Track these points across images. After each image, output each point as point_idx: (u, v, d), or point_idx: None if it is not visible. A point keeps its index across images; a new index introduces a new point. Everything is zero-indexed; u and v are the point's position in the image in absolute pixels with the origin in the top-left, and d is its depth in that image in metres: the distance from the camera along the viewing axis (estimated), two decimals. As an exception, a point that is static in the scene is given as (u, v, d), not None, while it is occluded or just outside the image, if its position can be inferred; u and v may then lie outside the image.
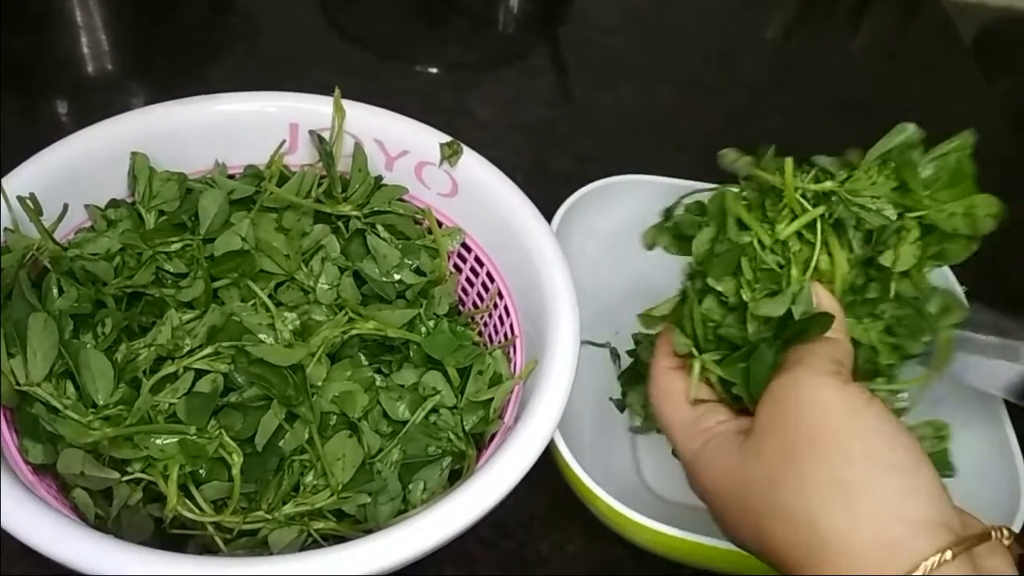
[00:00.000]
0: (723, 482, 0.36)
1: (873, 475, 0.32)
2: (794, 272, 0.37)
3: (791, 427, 0.34)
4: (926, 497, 0.31)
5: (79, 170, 0.46)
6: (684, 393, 0.39)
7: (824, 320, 0.36)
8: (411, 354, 0.46)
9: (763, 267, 0.38)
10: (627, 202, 0.57)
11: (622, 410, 0.53)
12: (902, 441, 0.33)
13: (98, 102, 0.71)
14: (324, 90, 0.50)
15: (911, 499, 0.31)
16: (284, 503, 0.41)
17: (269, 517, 0.40)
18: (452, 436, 0.44)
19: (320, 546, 0.39)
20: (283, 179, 0.49)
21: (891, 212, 0.38)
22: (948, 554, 0.30)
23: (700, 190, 0.46)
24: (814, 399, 0.34)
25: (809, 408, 0.34)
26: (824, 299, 0.37)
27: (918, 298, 0.39)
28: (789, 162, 0.38)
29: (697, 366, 0.38)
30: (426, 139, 0.50)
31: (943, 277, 0.57)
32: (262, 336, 0.43)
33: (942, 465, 0.40)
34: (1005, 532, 0.33)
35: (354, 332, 0.45)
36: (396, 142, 0.50)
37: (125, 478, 0.40)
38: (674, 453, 0.39)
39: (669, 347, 0.40)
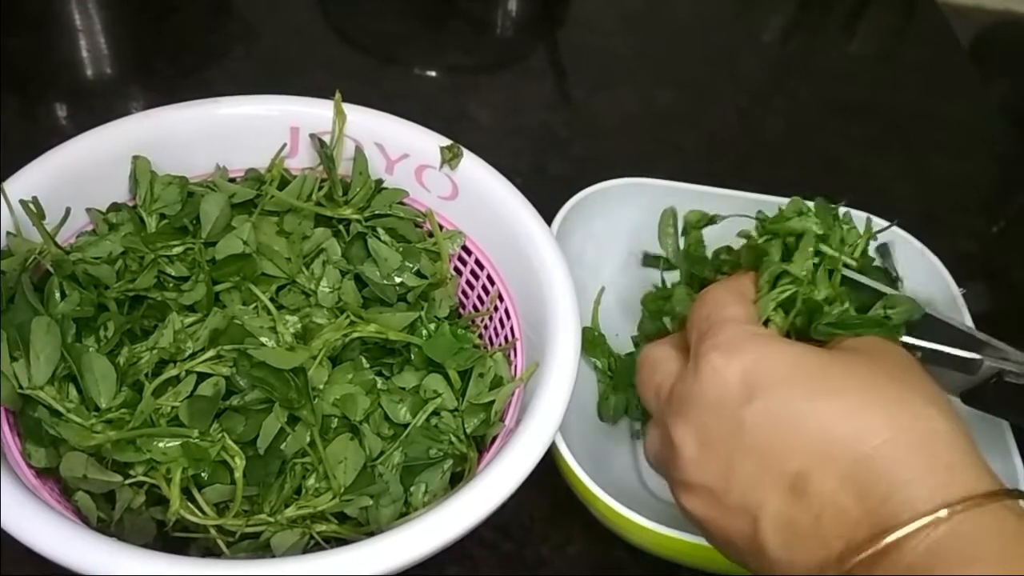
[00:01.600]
0: (816, 358, 0.36)
1: (943, 411, 0.34)
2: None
3: (876, 350, 0.38)
4: (974, 447, 0.34)
5: (80, 174, 0.46)
6: (747, 300, 0.41)
7: None
8: (412, 357, 0.46)
9: None
10: (626, 205, 0.57)
11: (602, 418, 0.54)
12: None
13: (98, 105, 0.71)
14: (323, 93, 0.51)
15: (969, 441, 0.34)
16: (286, 506, 0.41)
17: (271, 520, 0.40)
18: (453, 439, 0.44)
19: (322, 549, 0.40)
20: (284, 183, 0.50)
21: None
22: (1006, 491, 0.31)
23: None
24: (899, 348, 0.39)
25: (895, 349, 0.39)
26: None
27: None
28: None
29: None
30: (426, 142, 0.50)
31: (941, 279, 0.57)
32: (264, 339, 0.43)
33: None
34: None
35: (355, 335, 0.45)
36: (397, 145, 0.50)
37: (128, 481, 0.40)
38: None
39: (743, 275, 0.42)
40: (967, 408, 0.44)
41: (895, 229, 0.59)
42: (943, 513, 0.30)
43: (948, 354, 0.42)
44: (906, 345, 0.42)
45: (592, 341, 0.55)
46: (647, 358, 0.43)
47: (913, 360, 0.38)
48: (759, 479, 0.34)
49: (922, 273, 0.57)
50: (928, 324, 0.42)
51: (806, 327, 0.41)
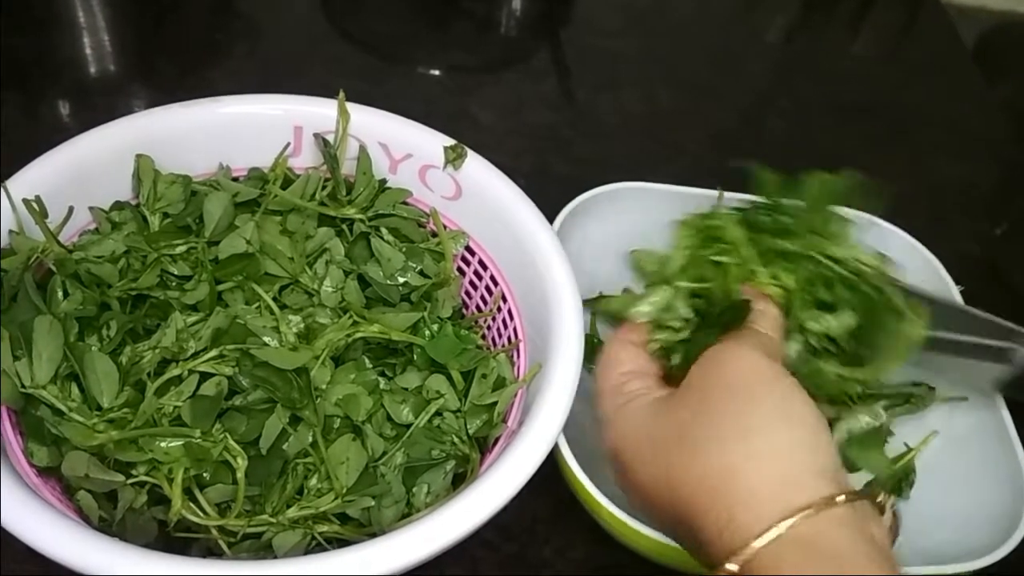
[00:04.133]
0: (638, 432, 0.39)
1: (779, 425, 0.36)
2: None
3: (711, 380, 0.38)
4: (824, 454, 0.35)
5: (83, 172, 0.46)
6: (623, 364, 0.43)
7: (741, 307, 0.41)
8: (415, 357, 0.46)
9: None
10: (627, 208, 0.57)
11: None
12: (810, 407, 0.37)
13: (100, 103, 0.71)
14: (325, 92, 0.51)
15: (811, 451, 0.35)
16: (288, 506, 0.41)
17: (273, 520, 0.40)
18: (456, 439, 0.44)
19: (324, 549, 0.39)
20: (287, 182, 0.49)
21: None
22: (840, 498, 0.33)
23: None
24: (737, 359, 0.39)
25: (730, 366, 0.38)
26: (761, 302, 0.42)
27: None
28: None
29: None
30: (430, 142, 0.50)
31: (941, 280, 0.57)
32: (266, 339, 0.43)
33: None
34: (889, 501, 0.38)
35: (358, 335, 0.45)
36: (400, 145, 0.50)
37: (130, 481, 0.40)
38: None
39: (632, 324, 0.45)
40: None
41: (895, 230, 0.59)
42: (732, 566, 0.33)
43: (983, 345, 0.43)
44: (940, 340, 0.43)
45: (592, 348, 0.54)
46: (614, 356, 0.44)
47: (748, 366, 0.38)
48: (661, 522, 0.39)
49: (923, 274, 0.56)
50: (960, 317, 0.43)
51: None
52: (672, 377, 0.43)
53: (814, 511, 0.32)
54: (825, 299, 0.43)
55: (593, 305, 0.56)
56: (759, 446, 0.35)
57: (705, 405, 0.37)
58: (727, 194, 0.57)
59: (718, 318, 0.42)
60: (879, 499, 0.35)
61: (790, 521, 0.32)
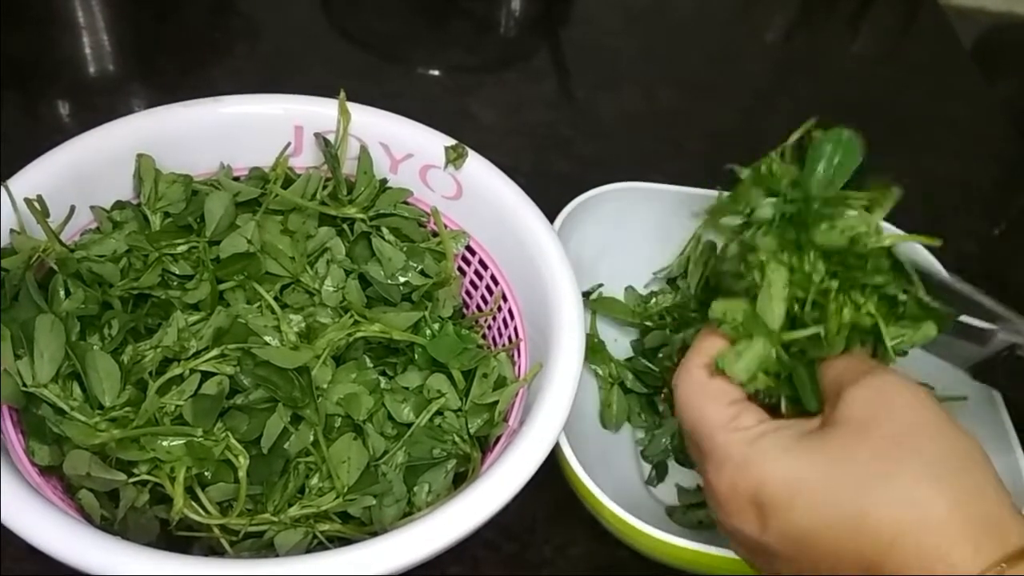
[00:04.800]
0: (800, 468, 0.35)
1: (975, 467, 0.35)
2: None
3: (895, 416, 0.35)
4: (1005, 492, 0.34)
5: (85, 172, 0.46)
6: (725, 394, 0.38)
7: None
8: (416, 357, 0.46)
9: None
10: (627, 208, 0.57)
11: (605, 425, 0.54)
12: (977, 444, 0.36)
13: (100, 103, 0.71)
14: (325, 92, 0.51)
15: (1002, 489, 0.34)
16: (290, 505, 0.41)
17: (275, 519, 0.40)
18: (457, 439, 0.44)
19: (326, 548, 0.40)
20: (288, 181, 0.49)
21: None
22: None
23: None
24: (909, 394, 0.36)
25: (904, 401, 0.36)
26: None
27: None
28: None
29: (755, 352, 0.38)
30: (431, 142, 0.50)
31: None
32: (268, 338, 0.43)
33: None
34: None
35: (359, 334, 0.45)
36: (401, 145, 0.50)
37: (131, 480, 0.40)
38: (681, 461, 0.39)
39: (706, 348, 0.39)
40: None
41: (895, 229, 0.59)
42: None
43: (960, 323, 0.41)
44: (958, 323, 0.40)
45: (592, 348, 0.55)
46: (689, 383, 0.39)
47: (919, 404, 0.36)
48: (820, 566, 0.35)
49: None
50: (943, 290, 0.40)
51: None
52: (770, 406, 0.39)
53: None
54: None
55: (593, 305, 0.56)
56: (973, 479, 0.34)
57: (903, 440, 0.35)
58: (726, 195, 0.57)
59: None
60: None
61: (1012, 562, 0.31)
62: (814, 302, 0.38)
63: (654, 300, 0.58)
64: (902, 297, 0.39)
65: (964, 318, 0.41)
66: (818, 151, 0.42)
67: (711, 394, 0.38)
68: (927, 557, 0.32)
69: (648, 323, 0.56)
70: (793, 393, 0.39)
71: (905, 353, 0.40)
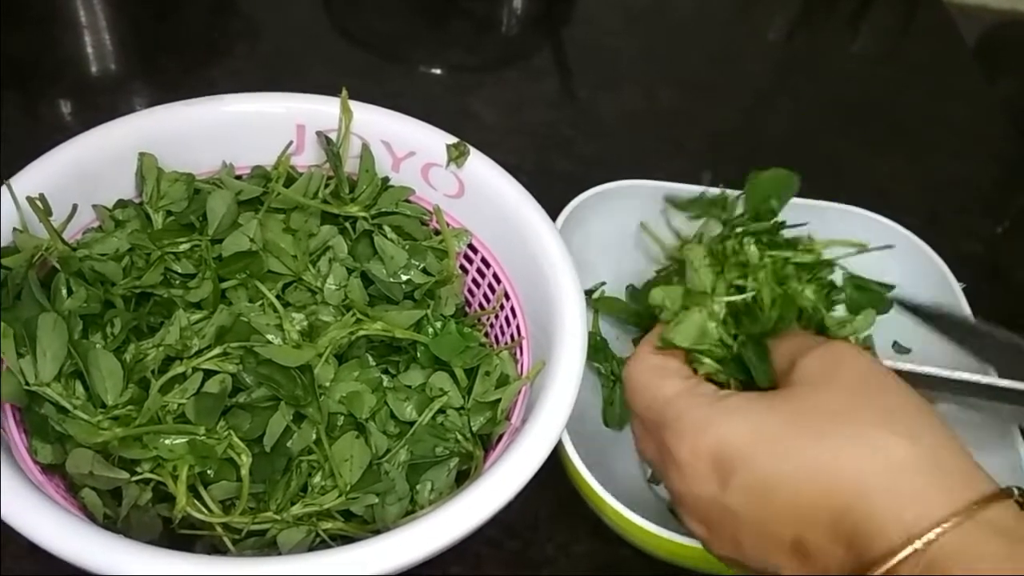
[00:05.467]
0: (764, 425, 0.36)
1: (931, 418, 0.35)
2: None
3: (844, 375, 0.37)
4: (962, 446, 0.35)
5: (87, 170, 0.46)
6: (680, 370, 0.41)
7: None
8: (418, 355, 0.46)
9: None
10: (629, 207, 0.57)
11: (608, 424, 0.54)
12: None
13: (102, 102, 0.71)
14: (327, 91, 0.51)
15: (959, 443, 0.34)
16: (292, 503, 0.41)
17: (277, 518, 0.40)
18: (459, 437, 0.44)
19: (328, 546, 0.39)
20: (290, 180, 0.49)
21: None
22: (1015, 490, 0.33)
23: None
24: (857, 356, 0.38)
25: (855, 362, 0.37)
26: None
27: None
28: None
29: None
30: (433, 140, 0.50)
31: (944, 280, 0.57)
32: (270, 337, 0.43)
33: None
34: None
35: (361, 333, 0.45)
36: (403, 143, 0.50)
37: (134, 478, 0.40)
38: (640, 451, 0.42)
39: (654, 338, 0.42)
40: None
41: (897, 228, 0.59)
42: (919, 544, 0.31)
43: (1007, 389, 0.42)
44: (992, 387, 0.42)
45: (594, 346, 0.55)
46: (643, 366, 0.42)
47: (868, 364, 0.37)
48: (766, 548, 0.36)
49: (925, 274, 0.57)
50: (980, 336, 0.44)
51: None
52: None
53: (997, 499, 0.32)
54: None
55: (595, 304, 0.56)
56: (933, 433, 0.34)
57: (857, 394, 0.36)
58: (731, 193, 0.57)
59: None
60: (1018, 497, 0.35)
61: (979, 505, 0.32)
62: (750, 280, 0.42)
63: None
64: (838, 282, 0.43)
65: (1008, 383, 0.42)
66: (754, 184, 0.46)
67: (666, 372, 0.40)
68: (896, 501, 0.33)
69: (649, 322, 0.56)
70: (744, 376, 0.41)
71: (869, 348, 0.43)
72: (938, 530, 0.31)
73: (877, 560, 0.32)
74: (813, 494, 0.34)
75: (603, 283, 0.57)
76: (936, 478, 0.33)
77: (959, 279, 0.57)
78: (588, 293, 0.56)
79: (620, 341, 0.57)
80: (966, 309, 0.55)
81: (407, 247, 0.48)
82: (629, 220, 0.58)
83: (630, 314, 0.57)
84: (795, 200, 0.58)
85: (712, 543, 0.39)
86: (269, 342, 0.43)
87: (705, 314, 0.41)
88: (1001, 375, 0.45)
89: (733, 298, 0.41)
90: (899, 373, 0.38)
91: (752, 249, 0.42)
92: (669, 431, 0.38)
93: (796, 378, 0.38)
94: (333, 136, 0.50)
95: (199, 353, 0.42)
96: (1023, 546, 0.31)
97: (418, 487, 0.43)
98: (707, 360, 0.41)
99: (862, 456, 0.34)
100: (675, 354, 0.42)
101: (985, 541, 0.31)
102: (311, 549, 0.41)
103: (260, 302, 0.45)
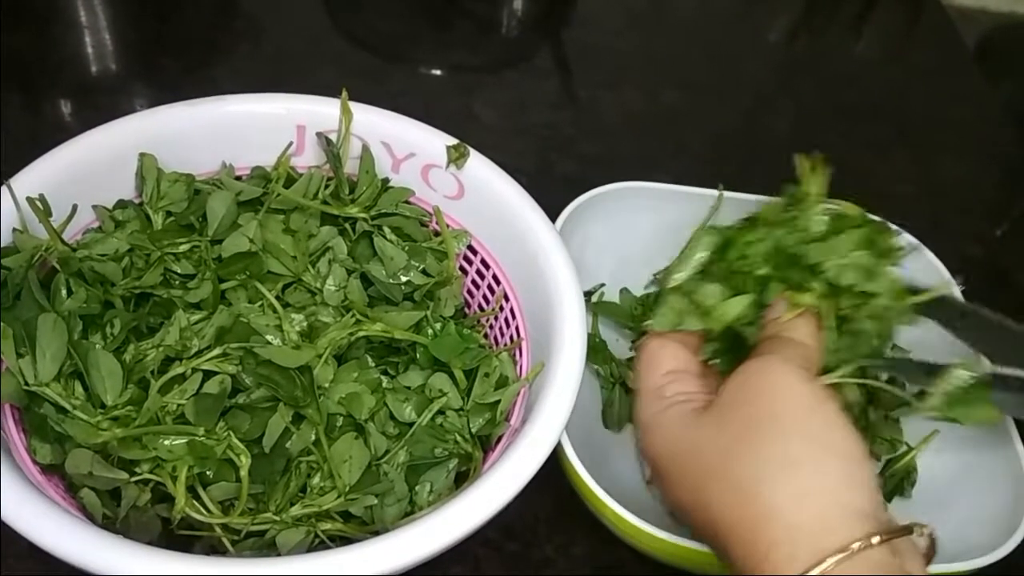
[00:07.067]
0: (677, 443, 0.39)
1: (825, 459, 0.35)
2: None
3: (756, 404, 0.37)
4: (866, 489, 0.35)
5: (87, 170, 0.46)
6: (663, 364, 0.43)
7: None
8: (418, 356, 0.46)
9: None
10: (628, 208, 0.57)
11: (607, 425, 0.54)
12: (853, 437, 0.36)
13: (102, 102, 0.71)
14: (328, 91, 0.51)
15: (855, 489, 0.35)
16: (291, 504, 0.41)
17: (276, 518, 0.40)
18: (459, 438, 0.44)
19: (327, 547, 0.40)
20: (290, 180, 0.50)
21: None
22: (875, 539, 0.33)
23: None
24: (781, 383, 0.38)
25: (776, 390, 0.37)
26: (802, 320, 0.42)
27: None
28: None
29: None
30: (433, 141, 0.50)
31: (942, 279, 0.57)
32: (269, 337, 0.43)
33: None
34: (924, 530, 0.37)
35: (361, 334, 0.45)
36: (403, 144, 0.50)
37: (133, 479, 0.40)
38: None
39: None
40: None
41: (897, 231, 0.59)
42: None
43: (1016, 378, 0.43)
44: (996, 376, 0.43)
45: (594, 347, 0.55)
46: (655, 355, 0.44)
47: (784, 391, 0.38)
48: (694, 528, 0.40)
49: (925, 276, 0.56)
50: (993, 327, 0.45)
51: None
52: (715, 374, 0.45)
53: (851, 554, 0.32)
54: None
55: (595, 307, 0.56)
56: (802, 484, 0.34)
57: (747, 434, 0.36)
58: (728, 194, 0.58)
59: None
60: (915, 531, 0.36)
61: (828, 563, 0.32)
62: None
63: (650, 303, 0.58)
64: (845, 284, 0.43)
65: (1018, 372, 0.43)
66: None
67: (653, 363, 0.44)
68: (752, 554, 0.34)
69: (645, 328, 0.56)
70: (729, 368, 0.42)
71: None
72: (835, 559, 0.32)
73: None
74: (700, 523, 0.38)
75: (603, 285, 0.57)
76: (787, 533, 0.34)
77: (957, 280, 0.57)
78: (587, 295, 0.56)
79: (619, 343, 0.57)
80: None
81: (407, 248, 0.48)
82: (629, 222, 0.58)
83: (625, 318, 0.57)
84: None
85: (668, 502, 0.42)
86: (269, 343, 0.43)
87: (680, 296, 0.44)
88: (992, 360, 0.46)
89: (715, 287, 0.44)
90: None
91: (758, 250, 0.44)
92: (636, 412, 0.44)
93: (720, 397, 0.39)
94: (333, 137, 0.50)
95: (199, 354, 0.42)
96: None
97: (417, 488, 0.43)
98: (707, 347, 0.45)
99: (727, 505, 0.36)
100: (666, 341, 0.44)
101: None
102: (310, 550, 0.41)
103: (260, 303, 0.45)
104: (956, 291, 0.57)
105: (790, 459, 0.35)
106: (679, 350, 0.44)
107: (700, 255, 0.45)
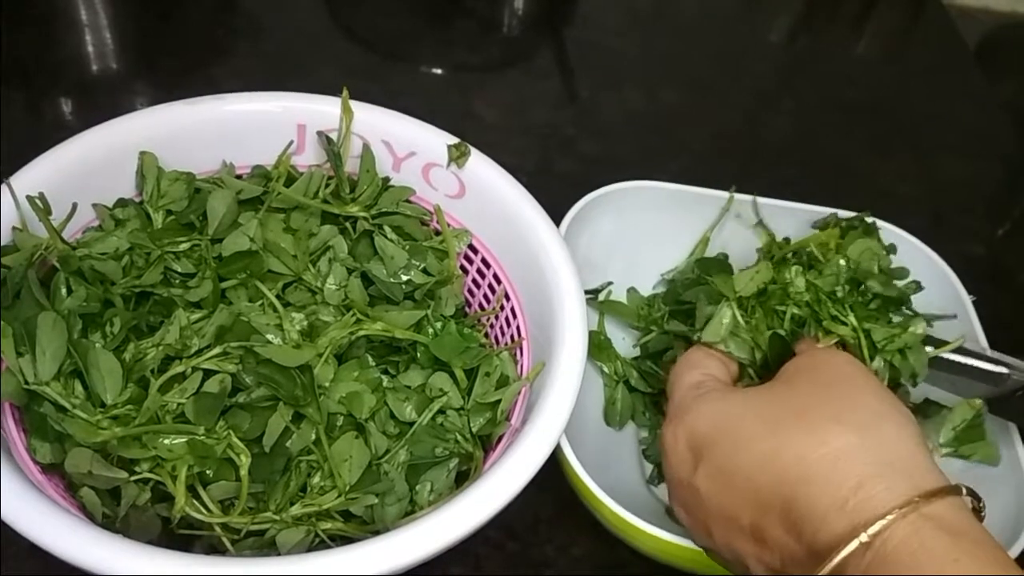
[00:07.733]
0: (733, 413, 0.39)
1: (895, 413, 0.37)
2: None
3: (824, 371, 0.40)
4: (926, 451, 0.36)
5: (87, 169, 0.46)
6: (704, 367, 0.45)
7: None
8: (418, 355, 0.46)
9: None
10: (634, 207, 0.57)
11: (609, 423, 0.54)
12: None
13: (103, 100, 0.71)
14: (329, 90, 0.50)
15: (923, 442, 0.36)
16: (291, 504, 0.41)
17: (276, 518, 0.40)
18: (459, 437, 0.44)
19: (328, 547, 0.39)
20: (291, 179, 0.49)
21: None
22: (963, 489, 0.34)
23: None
24: (842, 358, 0.41)
25: (840, 362, 0.40)
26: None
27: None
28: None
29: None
30: (434, 140, 0.50)
31: (947, 281, 0.57)
32: (270, 336, 0.43)
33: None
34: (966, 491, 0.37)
35: (361, 333, 0.45)
36: (404, 143, 0.50)
37: (133, 478, 0.40)
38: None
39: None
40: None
41: (900, 232, 0.59)
42: (864, 537, 0.32)
43: (978, 368, 0.48)
44: (943, 360, 0.48)
45: (598, 345, 0.55)
46: (696, 359, 0.46)
47: (848, 367, 0.40)
48: (732, 535, 0.38)
49: (928, 276, 0.56)
50: (961, 349, 0.49)
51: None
52: None
53: (943, 494, 0.33)
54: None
55: (601, 306, 0.56)
56: (889, 430, 0.36)
57: (822, 391, 0.38)
58: (727, 194, 0.58)
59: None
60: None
61: (930, 502, 0.32)
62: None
63: (657, 302, 0.58)
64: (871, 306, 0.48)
65: (981, 363, 0.48)
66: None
67: (691, 364, 0.46)
68: (836, 488, 0.34)
69: (652, 327, 0.56)
70: (767, 373, 0.45)
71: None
72: (883, 522, 0.32)
73: (823, 551, 0.33)
74: (764, 482, 0.36)
75: (610, 283, 0.57)
76: (877, 469, 0.34)
77: (961, 280, 0.57)
78: (594, 293, 0.56)
79: (625, 341, 0.57)
80: (974, 320, 0.55)
81: (407, 247, 0.48)
82: (636, 220, 0.58)
83: (633, 317, 0.57)
84: (799, 206, 0.59)
85: (692, 529, 0.41)
86: (269, 342, 0.43)
87: (732, 310, 0.47)
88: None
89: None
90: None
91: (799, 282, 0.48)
92: (666, 419, 0.43)
93: (778, 375, 0.41)
94: (334, 136, 0.50)
95: (199, 353, 0.42)
96: (967, 541, 0.31)
97: (417, 488, 0.43)
98: (737, 355, 0.46)
99: (807, 445, 0.35)
100: (711, 352, 0.46)
101: (930, 536, 0.32)
102: (310, 549, 0.41)
103: (260, 302, 0.45)
104: (965, 299, 0.56)
105: (871, 410, 0.37)
106: (720, 362, 0.46)
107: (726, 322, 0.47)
